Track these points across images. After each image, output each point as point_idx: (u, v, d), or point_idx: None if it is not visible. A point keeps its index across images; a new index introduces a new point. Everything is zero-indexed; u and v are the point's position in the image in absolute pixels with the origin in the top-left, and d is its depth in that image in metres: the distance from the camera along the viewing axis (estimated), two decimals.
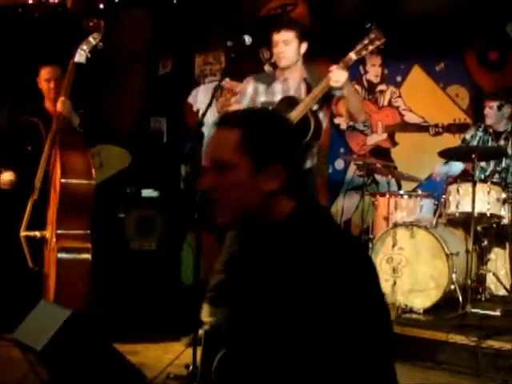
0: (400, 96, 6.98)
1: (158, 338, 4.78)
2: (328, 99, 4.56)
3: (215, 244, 6.63)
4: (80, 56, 4.68)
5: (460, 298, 4.93)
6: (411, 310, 4.98)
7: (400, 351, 3.78)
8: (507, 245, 5.52)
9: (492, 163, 5.71)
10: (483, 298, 5.31)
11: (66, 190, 4.47)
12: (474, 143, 5.75)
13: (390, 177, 6.66)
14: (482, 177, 5.62)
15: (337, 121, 7.06)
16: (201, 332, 3.62)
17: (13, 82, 6.26)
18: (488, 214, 5.18)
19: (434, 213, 5.60)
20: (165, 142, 8.33)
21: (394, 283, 5.07)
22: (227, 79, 7.33)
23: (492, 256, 5.58)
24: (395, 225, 5.35)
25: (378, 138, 7.07)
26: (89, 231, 4.53)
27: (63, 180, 4.47)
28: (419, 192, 5.85)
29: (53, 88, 5.04)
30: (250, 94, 4.72)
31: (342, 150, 7.24)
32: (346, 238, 1.87)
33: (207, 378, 1.89)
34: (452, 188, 5.37)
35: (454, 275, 5.03)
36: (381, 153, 6.98)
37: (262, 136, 1.84)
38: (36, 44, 6.89)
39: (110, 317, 4.48)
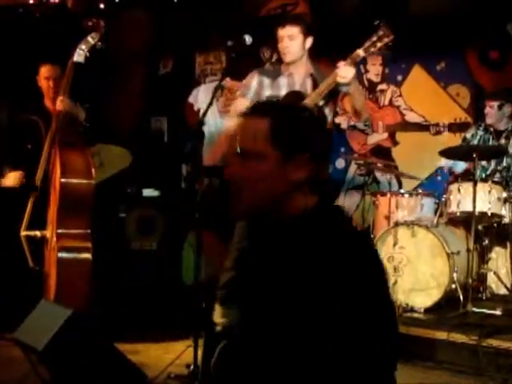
0: (401, 95, 6.98)
1: (159, 337, 4.79)
2: (334, 95, 4.55)
3: (216, 243, 6.64)
4: (79, 55, 4.69)
5: (461, 297, 4.93)
6: (412, 309, 4.99)
7: (403, 350, 3.80)
8: (508, 244, 5.52)
9: (493, 162, 5.71)
10: (484, 297, 5.31)
11: (66, 189, 4.47)
12: (475, 142, 5.75)
13: (390, 176, 6.66)
14: (483, 176, 5.61)
15: (337, 120, 7.06)
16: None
17: (13, 81, 6.26)
18: (489, 213, 5.18)
19: (435, 212, 5.60)
20: (165, 142, 8.33)
21: (395, 282, 5.07)
22: (228, 79, 7.34)
23: (493, 255, 5.58)
24: (396, 224, 5.35)
25: (378, 137, 7.07)
26: (89, 230, 4.53)
27: (63, 179, 4.47)
28: (420, 191, 5.85)
29: (52, 86, 5.06)
30: (255, 87, 4.71)
31: (342, 150, 7.23)
32: (362, 239, 1.87)
33: (208, 377, 1.89)
34: (453, 187, 5.36)
35: (454, 274, 5.03)
36: (381, 152, 6.98)
37: (290, 125, 1.84)
38: (36, 43, 6.89)
39: (111, 316, 4.48)
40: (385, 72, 7.04)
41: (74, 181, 4.52)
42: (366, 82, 7.09)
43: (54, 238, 4.44)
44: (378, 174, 6.86)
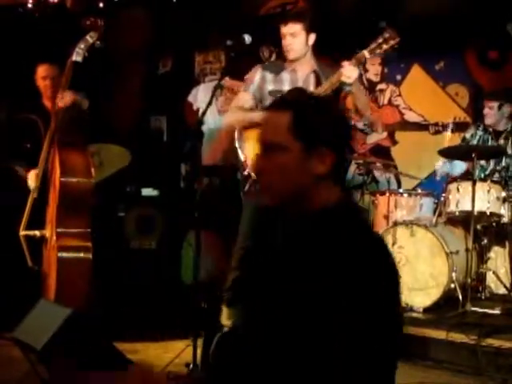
0: (400, 95, 6.98)
1: (158, 336, 4.79)
2: (337, 94, 4.56)
3: (215, 243, 6.64)
4: (78, 55, 4.69)
5: (460, 297, 4.93)
6: (411, 309, 4.99)
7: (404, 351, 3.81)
8: (507, 243, 5.52)
9: (492, 162, 5.71)
10: (483, 297, 5.31)
11: (66, 188, 4.47)
12: (474, 142, 5.75)
13: (389, 175, 6.66)
14: (482, 176, 5.61)
15: None
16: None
17: (12, 80, 6.26)
18: (488, 213, 5.18)
19: (434, 211, 5.60)
20: (165, 141, 8.33)
21: None
22: (227, 78, 7.35)
23: (492, 255, 5.58)
24: (395, 223, 5.35)
25: (377, 136, 7.08)
26: (89, 230, 4.53)
27: (63, 179, 4.47)
28: (419, 191, 5.86)
29: (49, 86, 5.06)
30: (258, 81, 4.71)
31: None
32: (378, 242, 1.88)
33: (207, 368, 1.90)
34: (452, 187, 5.36)
35: (453, 274, 5.03)
36: (381, 151, 6.98)
37: (312, 118, 1.86)
38: (35, 43, 6.89)
39: (110, 315, 4.48)
40: (384, 71, 7.04)
41: (74, 180, 4.53)
42: (365, 82, 7.08)
43: (54, 238, 4.44)
44: (377, 174, 6.85)
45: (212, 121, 7.66)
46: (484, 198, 5.15)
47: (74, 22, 5.57)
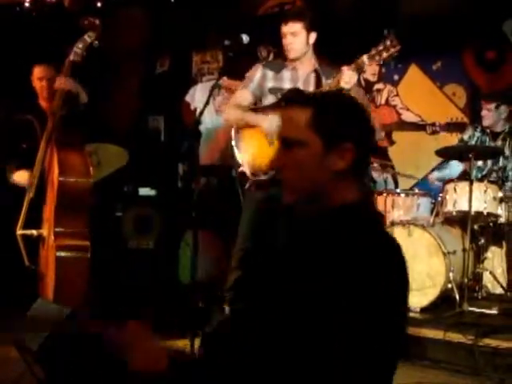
0: (397, 95, 6.98)
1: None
2: None
3: (213, 242, 6.64)
4: (76, 54, 4.68)
5: (457, 297, 4.93)
6: (408, 309, 4.98)
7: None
8: (504, 243, 5.53)
9: (489, 162, 5.71)
10: (480, 297, 5.31)
11: (64, 188, 4.47)
12: (472, 143, 5.75)
13: (386, 175, 6.67)
14: (479, 176, 5.62)
15: None
16: None
17: (9, 80, 6.26)
18: (485, 213, 5.18)
19: (431, 211, 5.61)
20: (162, 141, 8.33)
21: None
22: (225, 78, 7.35)
23: (489, 254, 5.58)
24: (392, 223, 5.35)
25: (376, 136, 7.08)
26: (87, 229, 4.53)
27: (61, 178, 4.47)
28: (416, 190, 5.86)
29: (45, 87, 5.05)
30: (258, 79, 4.72)
31: None
32: (392, 245, 1.88)
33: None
34: (449, 187, 5.37)
35: (450, 274, 5.03)
36: (378, 151, 6.98)
37: (332, 114, 1.85)
38: (33, 42, 6.89)
39: (108, 315, 4.48)
40: (381, 71, 7.04)
41: (72, 180, 4.52)
42: (362, 82, 7.09)
43: (52, 237, 4.43)
44: (374, 174, 6.85)
45: (209, 120, 7.66)
46: (481, 198, 5.15)
47: (71, 21, 5.56)
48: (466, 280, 4.92)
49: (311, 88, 4.60)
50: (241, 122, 4.73)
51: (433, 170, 6.31)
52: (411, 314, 4.92)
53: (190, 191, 6.94)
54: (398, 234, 5.20)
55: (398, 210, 5.62)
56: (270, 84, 4.67)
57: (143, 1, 7.86)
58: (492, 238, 5.58)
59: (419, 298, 5.03)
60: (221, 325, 2.12)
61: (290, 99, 1.93)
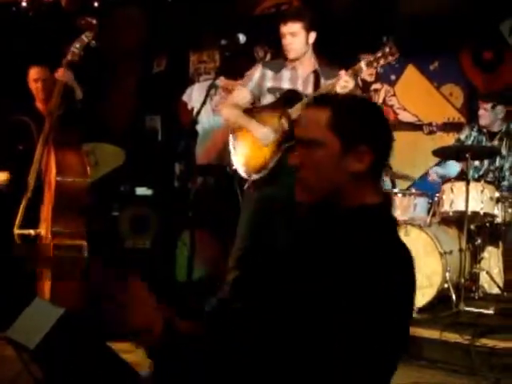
0: (394, 95, 6.99)
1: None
2: None
3: (210, 242, 6.64)
4: (73, 54, 4.68)
5: (453, 297, 4.94)
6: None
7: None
8: (500, 243, 5.54)
9: (486, 162, 5.72)
10: (476, 297, 5.31)
11: (62, 188, 4.47)
12: (469, 143, 5.76)
13: (384, 175, 6.67)
14: (476, 176, 5.63)
15: None
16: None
17: (5, 82, 6.25)
18: (481, 213, 5.19)
19: (428, 211, 5.61)
20: (159, 140, 8.32)
21: None
22: (222, 77, 7.36)
23: (485, 255, 5.59)
24: None
25: None
26: (84, 229, 4.53)
27: (59, 178, 4.47)
28: (413, 191, 5.85)
29: (40, 88, 5.04)
30: (257, 79, 4.72)
31: None
32: (402, 250, 1.88)
33: None
34: (446, 187, 5.38)
35: (447, 274, 5.04)
36: None
37: (351, 116, 1.85)
38: (30, 43, 6.88)
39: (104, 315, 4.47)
40: (378, 71, 7.04)
41: (70, 179, 4.52)
42: (360, 82, 7.09)
43: (49, 237, 4.43)
44: None
45: (206, 120, 7.67)
46: (478, 199, 5.16)
47: (68, 21, 5.56)
48: (462, 280, 4.93)
49: (310, 88, 4.60)
50: (235, 124, 4.74)
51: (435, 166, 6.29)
52: None
53: (186, 191, 6.95)
54: None
55: (395, 209, 5.62)
56: (269, 84, 4.67)
57: (140, 0, 7.86)
58: (489, 238, 5.58)
59: (416, 297, 5.02)
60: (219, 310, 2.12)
61: (311, 101, 1.94)
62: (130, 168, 6.52)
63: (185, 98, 8.16)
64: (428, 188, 6.00)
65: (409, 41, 6.34)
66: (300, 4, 7.09)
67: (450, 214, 5.30)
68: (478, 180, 5.33)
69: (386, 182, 6.66)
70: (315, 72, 4.63)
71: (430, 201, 5.69)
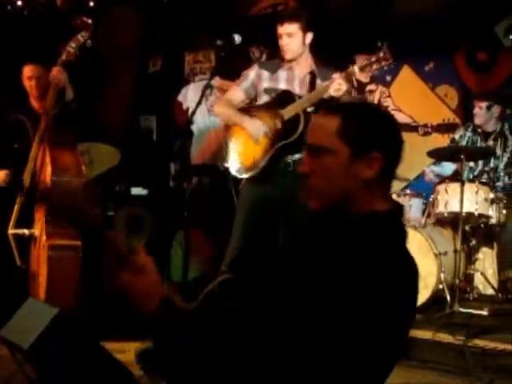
0: (389, 96, 6.99)
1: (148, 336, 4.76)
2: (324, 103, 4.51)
3: (205, 242, 6.64)
4: (68, 54, 4.67)
5: (448, 298, 4.95)
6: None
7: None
8: (495, 244, 5.54)
9: (480, 163, 5.72)
10: (471, 298, 5.32)
11: (57, 187, 4.47)
12: (463, 143, 5.76)
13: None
14: (471, 177, 5.63)
15: None
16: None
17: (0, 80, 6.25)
18: (476, 214, 5.20)
19: (423, 212, 5.62)
20: (154, 140, 8.32)
21: None
22: (217, 78, 7.35)
23: (480, 256, 5.60)
24: None
25: None
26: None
27: (54, 178, 4.47)
28: (408, 191, 5.86)
29: (34, 86, 5.03)
30: (252, 79, 4.71)
31: None
32: (408, 259, 1.87)
33: None
34: (440, 188, 5.38)
35: (442, 275, 5.05)
36: None
37: (361, 123, 1.85)
38: (25, 42, 6.87)
39: (99, 315, 4.47)
40: (371, 75, 7.04)
41: (65, 179, 4.52)
42: (355, 83, 7.10)
43: (44, 237, 4.43)
44: None
45: (201, 120, 7.67)
46: (472, 199, 5.17)
47: (64, 20, 5.56)
48: (457, 281, 4.93)
49: (306, 89, 4.60)
50: (228, 121, 4.75)
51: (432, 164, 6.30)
52: None
53: (181, 191, 6.95)
54: None
55: None
56: (265, 84, 4.67)
57: (136, 0, 7.85)
58: (483, 239, 5.59)
59: None
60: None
61: (319, 108, 1.95)
62: (125, 168, 6.52)
63: (180, 98, 8.16)
64: (424, 188, 6.00)
65: (404, 42, 6.36)
66: (296, 4, 7.09)
67: (445, 214, 5.30)
68: (472, 181, 5.34)
69: None
70: (312, 73, 4.62)
71: (425, 202, 5.70)
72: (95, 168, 5.47)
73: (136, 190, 7.22)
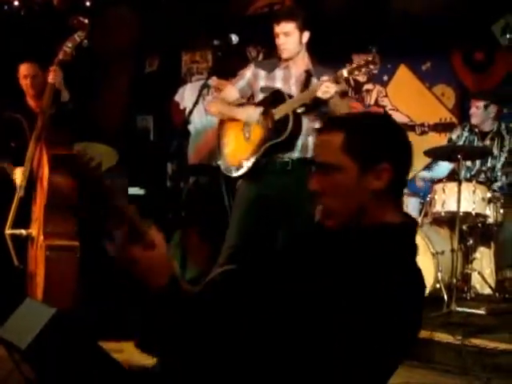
0: (386, 95, 6.99)
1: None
2: (316, 107, 4.51)
3: (202, 242, 6.63)
4: (65, 54, 4.67)
5: (445, 297, 4.95)
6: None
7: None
8: (492, 244, 5.55)
9: (478, 163, 5.73)
10: (468, 297, 5.32)
11: (54, 187, 4.46)
12: (460, 143, 5.76)
13: None
14: (468, 176, 5.64)
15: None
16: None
17: None
18: (473, 213, 5.19)
19: (420, 212, 5.62)
20: (151, 140, 8.32)
21: None
22: (214, 77, 7.35)
23: (477, 255, 5.60)
24: None
25: None
26: (76, 229, 4.52)
27: (51, 178, 4.46)
28: (405, 191, 5.86)
29: (30, 85, 5.03)
30: (248, 78, 4.70)
31: None
32: (416, 272, 1.87)
33: None
34: (438, 187, 5.38)
35: (439, 274, 5.05)
36: None
37: (365, 136, 1.85)
38: (21, 41, 6.86)
39: (97, 314, 4.46)
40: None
41: (62, 179, 4.51)
42: (351, 82, 7.10)
43: (42, 237, 4.42)
44: None
45: (198, 120, 7.66)
46: (469, 199, 5.16)
47: (60, 20, 5.55)
48: (454, 280, 4.94)
49: (301, 87, 4.59)
50: (221, 115, 4.75)
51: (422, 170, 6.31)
52: None
53: (178, 191, 6.94)
54: None
55: None
56: (262, 83, 4.66)
57: (132, 0, 7.85)
58: (480, 239, 5.60)
59: None
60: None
61: (323, 125, 1.94)
62: (123, 168, 6.50)
63: (177, 97, 8.16)
64: (416, 191, 6.00)
65: (401, 41, 6.38)
66: (293, 3, 7.09)
67: (442, 214, 5.30)
68: (469, 180, 5.33)
69: None
70: (307, 72, 4.62)
71: (422, 201, 5.70)
72: None
73: (133, 190, 7.21)
